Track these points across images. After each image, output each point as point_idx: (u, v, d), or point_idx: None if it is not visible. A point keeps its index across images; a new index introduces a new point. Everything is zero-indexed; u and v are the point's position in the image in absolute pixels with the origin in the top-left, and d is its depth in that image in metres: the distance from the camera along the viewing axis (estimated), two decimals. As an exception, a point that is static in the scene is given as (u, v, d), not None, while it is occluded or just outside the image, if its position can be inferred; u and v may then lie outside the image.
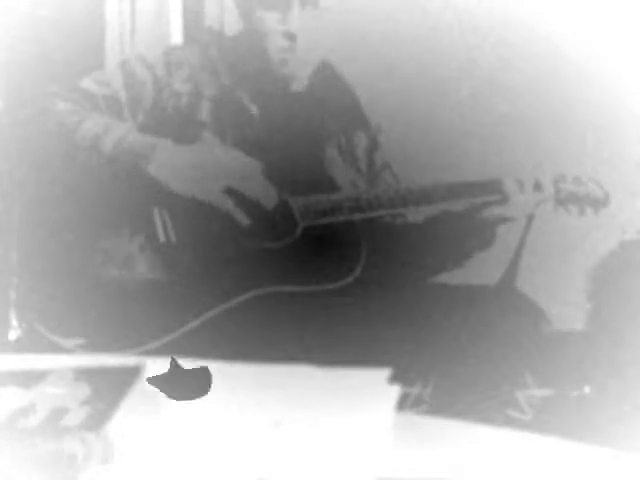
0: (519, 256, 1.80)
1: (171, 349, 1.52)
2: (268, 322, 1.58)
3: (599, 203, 1.79)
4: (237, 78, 1.77)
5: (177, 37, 2.34)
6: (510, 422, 1.61)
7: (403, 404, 1.14)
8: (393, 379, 1.16)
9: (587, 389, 1.71)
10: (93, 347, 1.52)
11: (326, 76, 1.85)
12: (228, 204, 1.59)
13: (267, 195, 1.62)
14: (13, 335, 1.61)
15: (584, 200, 1.79)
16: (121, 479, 0.99)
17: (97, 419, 1.03)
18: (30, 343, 1.57)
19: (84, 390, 1.09)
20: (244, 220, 1.61)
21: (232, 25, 1.99)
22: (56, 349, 1.51)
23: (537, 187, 1.75)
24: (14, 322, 1.61)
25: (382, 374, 1.17)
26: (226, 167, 1.61)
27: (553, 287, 1.97)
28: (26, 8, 2.01)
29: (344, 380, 1.19)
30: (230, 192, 1.59)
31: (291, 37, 1.69)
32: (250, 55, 1.77)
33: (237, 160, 1.62)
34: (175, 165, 1.58)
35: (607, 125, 2.08)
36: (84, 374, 1.12)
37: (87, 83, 1.70)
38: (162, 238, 1.60)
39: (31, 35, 2.01)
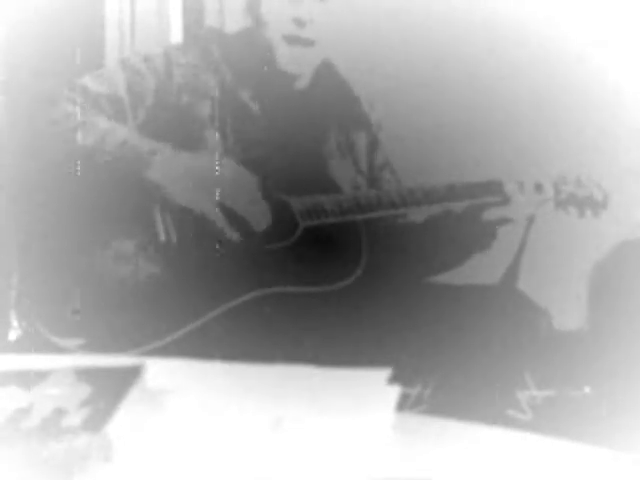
0: (520, 257, 1.80)
1: (172, 349, 1.52)
2: (269, 323, 1.58)
3: (599, 205, 1.80)
4: (238, 77, 1.76)
5: (177, 35, 2.34)
6: (510, 422, 1.61)
7: (403, 404, 1.14)
8: (393, 379, 1.16)
9: (587, 389, 1.71)
10: (93, 348, 1.52)
11: (327, 75, 1.85)
12: (219, 218, 1.59)
13: (258, 214, 1.62)
14: (13, 335, 1.61)
15: (584, 202, 1.79)
16: (121, 479, 0.99)
17: (97, 419, 1.03)
18: (30, 343, 1.57)
19: (84, 390, 1.09)
20: (233, 236, 1.60)
21: (233, 23, 1.98)
22: (56, 349, 1.51)
23: (538, 188, 1.75)
24: (14, 322, 1.61)
25: (382, 374, 1.17)
26: (221, 180, 1.61)
27: (553, 287, 1.97)
28: (26, 6, 2.00)
29: (344, 380, 1.19)
30: (221, 206, 1.59)
31: (300, 23, 1.69)
32: (252, 53, 1.77)
33: (234, 174, 1.62)
34: (172, 172, 1.58)
35: (607, 126, 2.08)
36: (85, 374, 1.12)
37: (88, 81, 1.70)
38: (163, 237, 1.59)
39: (31, 34, 2.01)
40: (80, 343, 1.53)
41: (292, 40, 1.71)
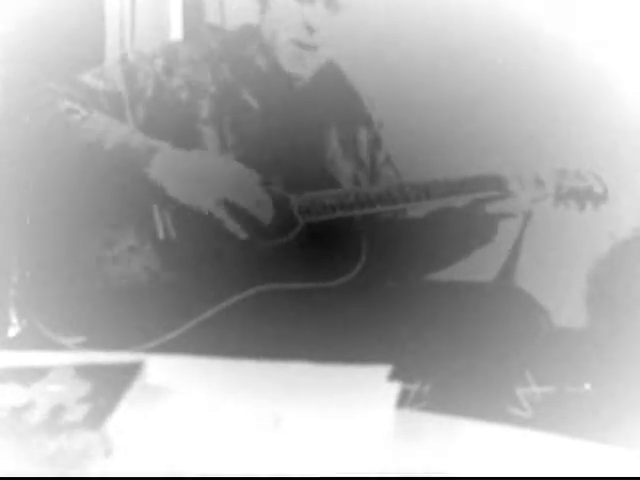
0: (517, 252, 1.80)
1: (172, 346, 1.52)
2: (268, 319, 1.58)
3: (599, 198, 1.80)
4: (237, 73, 1.76)
5: (177, 32, 2.34)
6: (510, 419, 1.61)
7: (403, 401, 1.13)
8: (393, 376, 1.16)
9: (587, 386, 1.71)
10: (93, 345, 1.51)
11: (327, 72, 1.85)
12: (223, 215, 1.58)
13: (263, 209, 1.61)
14: (13, 332, 1.61)
15: (584, 195, 1.79)
16: (121, 476, 0.99)
17: (97, 416, 1.03)
18: (30, 340, 1.57)
19: (84, 387, 1.09)
20: (239, 232, 1.59)
21: (233, 20, 1.98)
22: (56, 346, 1.51)
23: (538, 182, 1.75)
24: (13, 319, 1.61)
25: (382, 371, 1.16)
26: (223, 178, 1.59)
27: (553, 284, 1.98)
28: (26, 6, 2.00)
29: (344, 377, 1.19)
30: (226, 204, 1.58)
31: (309, 29, 1.69)
32: (253, 50, 1.77)
33: (235, 171, 1.61)
34: (174, 171, 1.57)
35: (608, 121, 2.08)
36: (85, 371, 1.12)
37: (87, 78, 1.69)
38: (162, 235, 1.59)
39: (31, 32, 2.01)
40: (80, 341, 1.53)
41: (300, 46, 1.71)
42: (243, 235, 1.59)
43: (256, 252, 1.61)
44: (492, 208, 1.74)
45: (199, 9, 2.34)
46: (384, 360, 1.19)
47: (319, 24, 1.69)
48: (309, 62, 1.75)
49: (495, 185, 1.74)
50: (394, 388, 1.13)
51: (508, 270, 1.81)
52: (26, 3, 2.00)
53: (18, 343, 1.61)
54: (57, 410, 1.05)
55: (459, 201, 1.73)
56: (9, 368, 1.14)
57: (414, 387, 1.59)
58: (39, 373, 1.12)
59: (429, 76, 2.19)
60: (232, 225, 1.59)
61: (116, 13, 2.28)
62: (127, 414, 1.05)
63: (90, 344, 1.52)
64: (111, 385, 1.09)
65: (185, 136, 1.67)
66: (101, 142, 1.56)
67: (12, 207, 1.62)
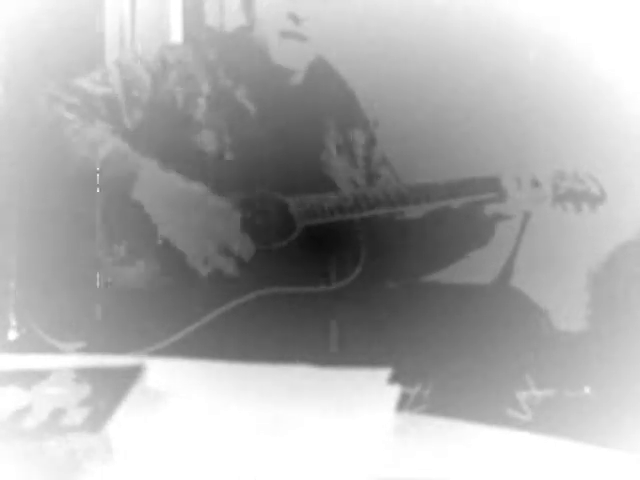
0: (515, 254, 1.80)
1: (173, 350, 1.52)
2: (269, 323, 1.58)
3: (596, 200, 1.80)
4: (233, 76, 1.76)
5: (177, 36, 2.34)
6: (510, 422, 1.61)
7: (403, 404, 1.14)
8: (393, 379, 1.16)
9: (587, 389, 1.71)
10: (93, 350, 1.51)
11: (322, 73, 1.85)
12: (189, 250, 1.56)
13: (242, 247, 1.59)
14: (13, 335, 1.61)
15: (581, 197, 1.79)
16: (121, 479, 0.99)
17: (97, 419, 1.03)
18: (30, 344, 1.57)
19: (85, 390, 1.09)
20: (203, 271, 1.57)
21: (232, 23, 1.98)
22: (56, 351, 1.51)
23: (535, 184, 1.75)
24: (13, 322, 1.61)
25: (382, 374, 1.16)
26: (204, 210, 1.57)
27: (553, 287, 1.97)
28: (26, 6, 2.00)
29: (344, 380, 1.19)
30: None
31: (295, 20, 1.69)
32: (246, 52, 1.77)
33: (216, 206, 1.58)
34: (156, 194, 1.56)
35: (606, 122, 2.08)
36: (85, 374, 1.12)
37: (84, 83, 1.69)
38: (160, 240, 1.59)
39: (31, 35, 2.01)
40: (80, 346, 1.53)
41: (286, 36, 1.71)
42: (205, 273, 1.57)
43: (255, 256, 1.60)
44: (489, 210, 1.74)
45: (199, 12, 2.34)
46: (384, 363, 1.19)
47: (305, 14, 1.69)
48: (300, 53, 1.75)
49: (492, 187, 1.74)
50: (394, 391, 1.14)
51: (508, 272, 1.81)
52: (26, 7, 2.00)
53: (18, 346, 1.61)
54: (57, 413, 1.05)
55: (457, 203, 1.73)
56: (9, 371, 1.14)
57: (414, 390, 1.59)
58: (39, 376, 1.12)
59: (426, 77, 2.19)
60: (198, 263, 1.56)
61: (116, 16, 2.29)
62: (127, 417, 1.05)
63: (90, 349, 1.52)
64: (111, 388, 1.09)
65: (182, 140, 1.67)
66: (93, 155, 1.56)
67: (12, 211, 1.62)
